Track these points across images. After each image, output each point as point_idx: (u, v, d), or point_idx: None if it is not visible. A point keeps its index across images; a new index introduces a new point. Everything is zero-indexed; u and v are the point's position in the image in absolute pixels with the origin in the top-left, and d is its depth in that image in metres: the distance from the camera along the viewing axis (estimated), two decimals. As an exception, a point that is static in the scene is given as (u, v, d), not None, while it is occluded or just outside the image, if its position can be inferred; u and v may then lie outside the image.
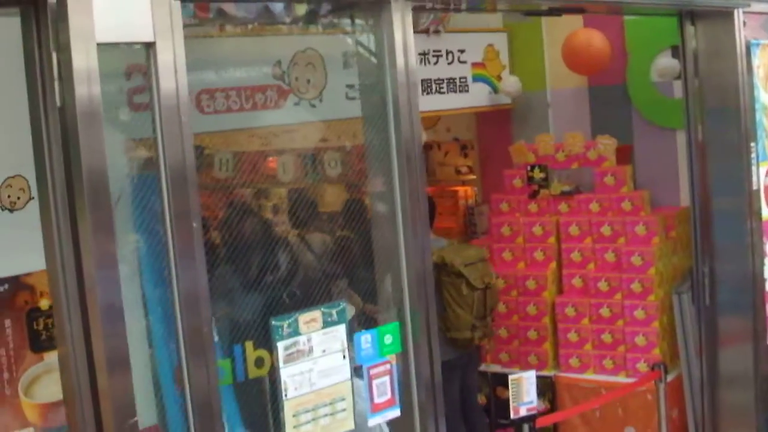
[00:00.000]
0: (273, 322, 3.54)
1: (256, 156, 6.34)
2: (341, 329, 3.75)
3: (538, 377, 7.68)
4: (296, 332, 3.60)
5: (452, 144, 10.68)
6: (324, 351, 3.69)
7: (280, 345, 3.56)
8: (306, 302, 4.22)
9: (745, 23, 6.66)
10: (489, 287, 7.07)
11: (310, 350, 3.66)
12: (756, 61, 6.78)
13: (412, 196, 4.16)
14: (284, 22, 5.87)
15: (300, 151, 6.54)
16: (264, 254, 4.46)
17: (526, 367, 7.77)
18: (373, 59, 4.20)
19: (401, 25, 4.18)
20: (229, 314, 4.69)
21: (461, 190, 10.54)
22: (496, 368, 8.01)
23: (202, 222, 3.26)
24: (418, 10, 4.29)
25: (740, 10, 6.56)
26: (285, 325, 3.55)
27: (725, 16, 6.56)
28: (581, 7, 6.65)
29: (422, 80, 7.89)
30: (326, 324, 3.70)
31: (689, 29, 6.72)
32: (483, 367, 7.99)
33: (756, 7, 6.70)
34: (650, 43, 7.86)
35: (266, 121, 6.51)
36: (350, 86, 6.32)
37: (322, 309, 3.69)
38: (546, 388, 7.71)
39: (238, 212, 4.90)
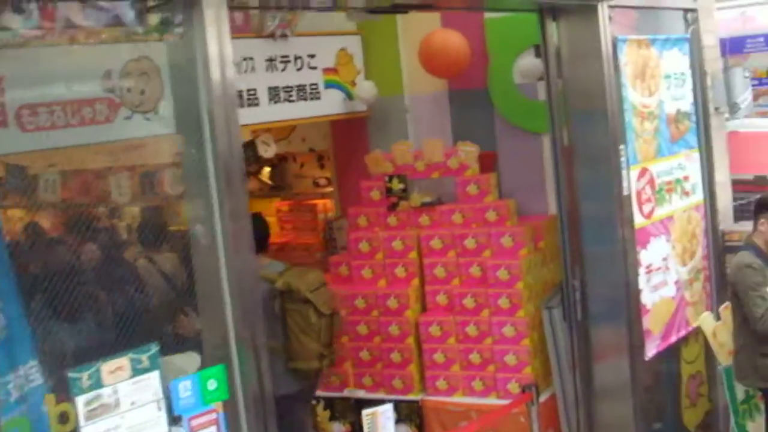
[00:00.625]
0: (70, 375, 2.91)
1: (88, 175, 5.72)
2: (154, 376, 3.13)
3: (404, 402, 7.24)
4: (99, 384, 2.99)
5: (308, 155, 10.20)
6: (133, 403, 3.08)
7: (80, 400, 2.93)
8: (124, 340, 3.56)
9: (611, 18, 6.30)
10: (335, 313, 6.63)
11: (117, 403, 3.04)
12: (623, 59, 6.43)
13: (233, 217, 3.59)
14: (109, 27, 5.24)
15: (138, 168, 5.91)
16: (74, 284, 3.80)
17: (391, 391, 7.30)
18: (186, 68, 3.64)
19: (216, 28, 3.64)
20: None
21: (320, 203, 10.07)
22: (360, 393, 7.47)
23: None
24: (236, 10, 3.71)
25: (605, 4, 6.20)
26: (84, 377, 2.93)
27: (588, 10, 6.19)
28: (429, 3, 6.18)
29: (270, 88, 7.36)
30: (136, 372, 3.09)
31: (550, 26, 6.34)
32: (347, 392, 7.47)
33: (622, 0, 6.35)
34: (512, 42, 7.42)
35: (97, 138, 5.84)
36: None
37: (130, 355, 3.07)
38: (412, 413, 7.23)
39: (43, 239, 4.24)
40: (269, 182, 10.73)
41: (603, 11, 6.20)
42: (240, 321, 3.48)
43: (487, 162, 7.61)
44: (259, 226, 5.80)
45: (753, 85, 16.69)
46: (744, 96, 7.56)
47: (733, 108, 7.54)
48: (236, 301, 3.48)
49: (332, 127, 8.80)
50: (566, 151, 6.42)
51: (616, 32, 6.42)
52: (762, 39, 17.79)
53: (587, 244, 6.48)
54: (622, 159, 6.36)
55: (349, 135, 8.51)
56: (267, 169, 10.68)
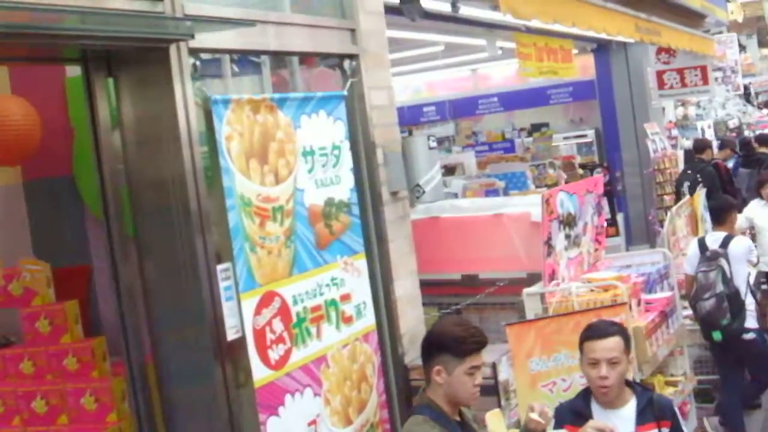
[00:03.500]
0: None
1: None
2: None
3: None
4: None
5: None
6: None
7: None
8: None
9: (196, 68, 4.22)
10: None
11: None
12: (224, 130, 4.35)
13: None
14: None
15: None
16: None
17: None
18: None
19: None
20: None
21: None
22: None
23: None
24: None
25: (183, 47, 4.10)
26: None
27: (155, 57, 4.07)
28: None
29: None
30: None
31: (102, 84, 4.18)
32: None
33: (207, 39, 4.27)
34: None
35: None
36: None
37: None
38: None
39: None
40: None
41: (180, 58, 4.10)
42: None
43: (75, 282, 5.43)
44: None
45: (483, 152, 15.36)
46: (430, 174, 5.65)
47: (415, 192, 5.62)
48: None
49: None
50: (131, 275, 4.25)
51: (213, 89, 4.36)
52: (496, 99, 16.58)
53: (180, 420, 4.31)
54: (225, 284, 4.26)
55: None
56: None
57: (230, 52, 4.61)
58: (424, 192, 5.60)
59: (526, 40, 9.89)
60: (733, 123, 21.23)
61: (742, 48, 28.82)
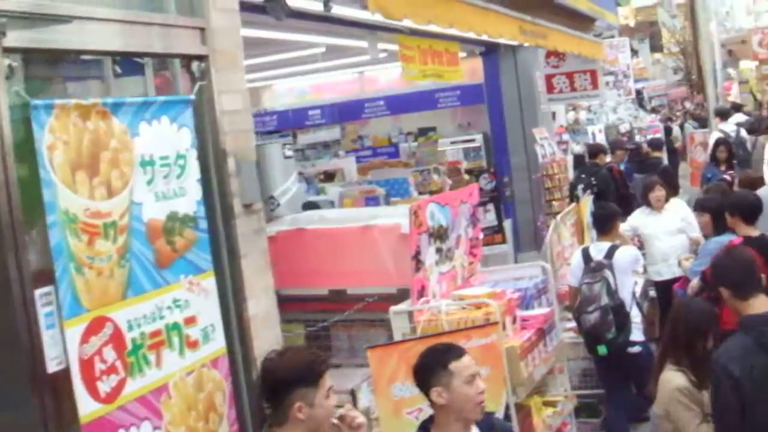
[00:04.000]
0: None
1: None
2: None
3: None
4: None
5: None
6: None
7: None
8: None
9: (12, 69, 3.81)
10: None
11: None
12: (46, 138, 3.93)
13: None
14: None
15: None
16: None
17: None
18: None
19: None
20: None
21: None
22: None
23: None
24: None
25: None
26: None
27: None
28: None
29: None
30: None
31: None
32: None
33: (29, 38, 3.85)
34: None
35: None
36: None
37: None
38: None
39: None
40: None
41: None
42: None
43: None
44: None
45: (366, 157, 15.04)
46: (286, 185, 5.29)
47: (269, 204, 5.25)
48: None
49: None
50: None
51: (34, 94, 3.94)
52: (382, 102, 16.27)
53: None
54: (46, 310, 3.85)
55: None
56: None
57: (55, 52, 4.19)
58: (278, 204, 5.24)
59: (409, 42, 9.60)
60: (624, 127, 21.31)
61: (635, 52, 29.13)
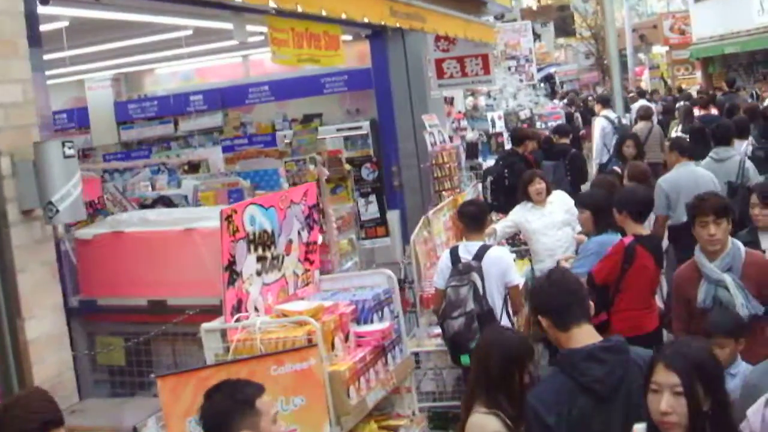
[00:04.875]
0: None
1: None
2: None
3: None
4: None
5: None
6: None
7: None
8: None
9: None
10: None
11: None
12: None
13: None
14: None
15: None
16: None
17: None
18: None
19: None
20: None
21: None
22: None
23: None
24: None
25: None
26: None
27: None
28: None
29: None
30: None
31: None
32: None
33: None
34: None
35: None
36: None
37: None
38: None
39: None
40: None
41: None
42: None
43: None
44: None
45: (242, 145, 14.24)
46: (66, 189, 4.57)
47: (48, 210, 4.53)
48: None
49: None
50: None
51: None
52: (267, 87, 15.50)
53: None
54: None
55: None
56: None
57: None
58: (57, 211, 4.52)
59: (280, 24, 8.90)
60: (524, 114, 20.80)
61: (537, 37, 28.69)
